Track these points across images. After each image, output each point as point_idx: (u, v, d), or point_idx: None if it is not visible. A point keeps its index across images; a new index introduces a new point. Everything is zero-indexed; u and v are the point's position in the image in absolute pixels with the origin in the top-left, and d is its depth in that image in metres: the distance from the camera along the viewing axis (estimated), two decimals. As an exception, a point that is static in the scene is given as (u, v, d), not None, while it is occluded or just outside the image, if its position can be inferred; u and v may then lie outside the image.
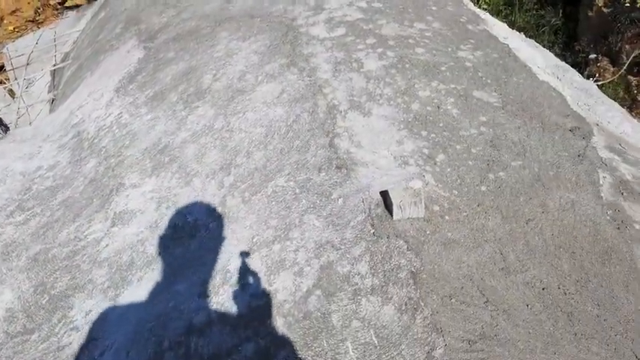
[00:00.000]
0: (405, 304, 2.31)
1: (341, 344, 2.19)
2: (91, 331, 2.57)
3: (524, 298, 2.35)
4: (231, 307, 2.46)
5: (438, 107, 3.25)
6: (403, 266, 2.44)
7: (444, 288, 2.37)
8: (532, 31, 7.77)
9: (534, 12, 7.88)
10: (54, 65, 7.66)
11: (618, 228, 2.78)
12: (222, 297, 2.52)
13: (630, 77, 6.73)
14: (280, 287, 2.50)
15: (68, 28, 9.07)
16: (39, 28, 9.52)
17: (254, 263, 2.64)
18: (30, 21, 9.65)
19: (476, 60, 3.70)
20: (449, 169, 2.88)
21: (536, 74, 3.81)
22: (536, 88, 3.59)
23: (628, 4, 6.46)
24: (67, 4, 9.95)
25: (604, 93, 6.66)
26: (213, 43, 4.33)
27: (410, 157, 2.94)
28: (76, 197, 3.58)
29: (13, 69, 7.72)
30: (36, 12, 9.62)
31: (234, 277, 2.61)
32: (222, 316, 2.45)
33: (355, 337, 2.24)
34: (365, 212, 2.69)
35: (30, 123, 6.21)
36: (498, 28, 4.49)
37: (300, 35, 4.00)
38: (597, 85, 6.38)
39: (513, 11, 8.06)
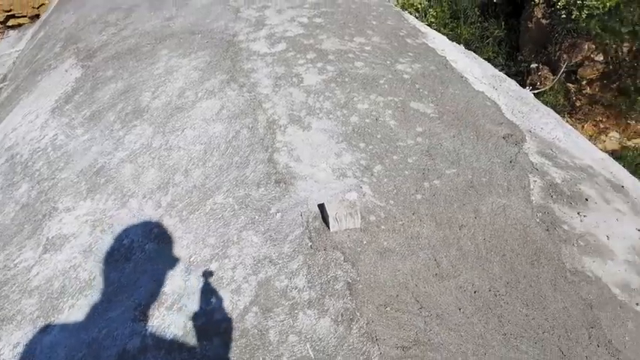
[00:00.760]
0: (341, 315, 2.37)
1: (277, 360, 2.22)
2: (18, 364, 2.49)
3: (456, 302, 2.46)
4: (167, 331, 2.45)
5: (376, 119, 3.38)
6: (340, 277, 2.51)
7: (380, 297, 2.45)
8: (477, 42, 8.19)
9: (479, 24, 8.32)
10: (-10, 87, 7.40)
11: (547, 230, 2.96)
12: (157, 320, 2.50)
13: (569, 85, 7.18)
14: (217, 306, 2.52)
15: (8, 48, 8.82)
16: (-22, 48, 9.19)
17: (191, 283, 2.64)
18: (-32, 41, 9.30)
19: (414, 72, 3.88)
20: (386, 180, 2.99)
21: (472, 84, 4.02)
22: (471, 98, 3.79)
23: (564, 16, 6.92)
24: (8, 24, 9.68)
25: (545, 100, 7.09)
26: (153, 60, 4.34)
27: (348, 169, 3.03)
28: (7, 224, 3.48)
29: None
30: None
31: (170, 299, 2.60)
32: (157, 340, 2.43)
33: (292, 352, 2.28)
34: (303, 226, 2.75)
35: (-38, 148, 5.96)
36: (438, 40, 4.72)
37: (240, 51, 4.08)
38: (536, 92, 6.77)
39: (459, 24, 8.47)
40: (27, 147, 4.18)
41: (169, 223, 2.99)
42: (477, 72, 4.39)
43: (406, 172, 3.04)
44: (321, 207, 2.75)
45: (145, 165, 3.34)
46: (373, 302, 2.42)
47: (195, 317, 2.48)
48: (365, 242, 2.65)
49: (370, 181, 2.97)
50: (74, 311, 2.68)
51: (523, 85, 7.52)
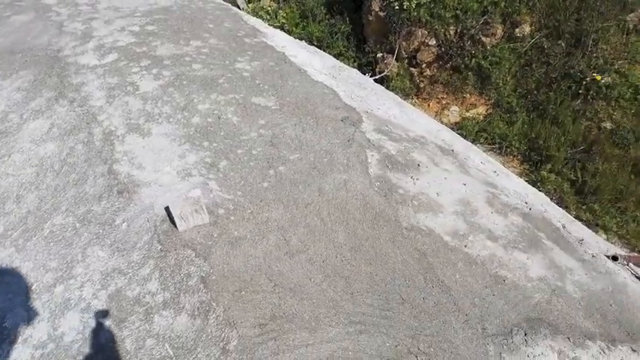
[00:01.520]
0: (198, 309, 2.46)
1: (134, 366, 2.24)
2: None
3: (307, 273, 2.69)
4: (10, 367, 2.31)
5: (219, 117, 3.52)
6: (193, 273, 2.59)
7: (235, 284, 2.58)
8: (328, 39, 8.75)
9: (327, 22, 8.90)
10: None
11: (385, 195, 3.36)
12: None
13: (411, 69, 8.04)
14: (67, 329, 2.44)
15: None
16: None
17: (35, 312, 2.52)
18: None
19: (253, 69, 4.10)
20: (232, 173, 3.14)
21: (311, 76, 4.36)
22: (310, 88, 4.11)
23: (397, 7, 7.73)
24: None
25: (394, 85, 7.84)
26: (-34, 86, 3.96)
27: (193, 169, 3.12)
28: None
29: None
30: None
31: (13, 334, 2.45)
32: (1, 379, 2.29)
33: (151, 355, 2.31)
34: (151, 231, 2.78)
35: None
36: (278, 38, 5.00)
37: (68, 66, 3.92)
38: (380, 78, 7.47)
39: (309, 23, 8.97)
40: None
41: (4, 255, 2.80)
42: (317, 64, 4.76)
43: (251, 164, 3.22)
44: (167, 209, 2.80)
45: (-33, 199, 3.07)
46: (228, 290, 2.55)
47: (43, 346, 2.37)
48: (215, 235, 2.77)
49: (217, 176, 3.10)
50: None
51: (375, 74, 8.26)
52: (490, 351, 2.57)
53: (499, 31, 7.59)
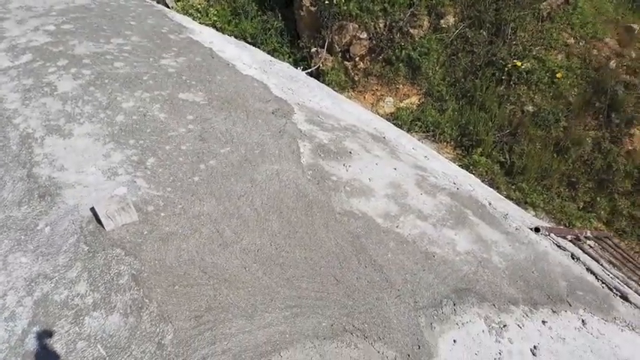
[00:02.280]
0: (130, 307, 2.45)
1: (64, 371, 2.20)
2: None
3: (242, 263, 2.74)
4: None
5: (144, 115, 3.48)
6: (123, 272, 2.57)
7: (168, 279, 2.59)
8: (261, 35, 8.77)
9: (259, 18, 8.92)
10: None
11: (318, 183, 3.47)
12: None
13: (346, 63, 8.24)
14: (-12, 342, 2.35)
15: None
16: None
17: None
18: None
19: (179, 65, 4.07)
20: (160, 170, 3.12)
21: (240, 70, 4.39)
22: (239, 82, 4.14)
23: (327, 2, 7.89)
24: None
25: (330, 80, 7.99)
26: None
27: (119, 167, 3.08)
28: None
29: None
30: None
31: None
32: None
33: (82, 357, 2.27)
34: (77, 233, 2.72)
35: None
36: (205, 34, 4.98)
37: (-25, 69, 3.73)
38: (316, 73, 7.60)
39: (241, 20, 8.95)
40: None
41: None
42: (246, 59, 4.79)
43: (181, 159, 3.22)
44: (93, 209, 2.75)
45: None
46: (161, 285, 2.55)
47: (-41, 363, 2.27)
48: (146, 232, 2.76)
49: (144, 174, 3.07)
50: None
51: (308, 68, 8.38)
52: (422, 322, 2.74)
53: (425, 23, 7.94)
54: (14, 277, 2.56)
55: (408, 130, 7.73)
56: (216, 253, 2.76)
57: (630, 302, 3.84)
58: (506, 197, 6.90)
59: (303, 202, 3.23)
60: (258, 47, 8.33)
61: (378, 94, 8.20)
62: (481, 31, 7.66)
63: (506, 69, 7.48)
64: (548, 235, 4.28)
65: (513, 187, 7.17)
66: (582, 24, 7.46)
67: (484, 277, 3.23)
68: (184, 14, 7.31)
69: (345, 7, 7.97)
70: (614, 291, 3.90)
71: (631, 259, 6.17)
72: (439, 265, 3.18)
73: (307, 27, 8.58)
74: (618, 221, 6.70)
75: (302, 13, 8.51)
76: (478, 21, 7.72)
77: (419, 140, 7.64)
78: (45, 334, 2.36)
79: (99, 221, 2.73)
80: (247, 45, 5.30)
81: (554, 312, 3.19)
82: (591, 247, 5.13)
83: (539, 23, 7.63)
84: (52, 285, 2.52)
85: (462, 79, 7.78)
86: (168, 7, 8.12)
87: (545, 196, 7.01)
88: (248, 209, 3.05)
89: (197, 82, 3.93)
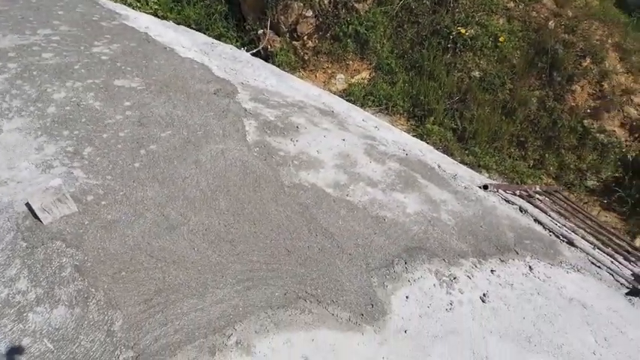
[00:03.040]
0: (75, 298, 2.39)
1: (8, 369, 2.13)
2: None
3: (190, 244, 2.71)
4: None
5: (78, 104, 3.35)
6: (65, 264, 2.50)
7: (113, 266, 2.53)
8: (206, 21, 8.57)
9: (202, 3, 8.70)
10: None
11: (265, 159, 3.45)
12: None
13: (294, 42, 8.16)
14: None
15: None
16: None
17: None
18: None
19: (112, 52, 3.94)
20: (99, 159, 3.03)
21: (179, 53, 4.28)
22: (178, 65, 4.04)
23: (269, -18, 7.78)
24: None
25: (280, 60, 7.89)
26: None
27: (54, 160, 2.97)
28: None
29: None
30: None
31: None
32: None
33: (29, 353, 2.21)
34: (13, 230, 2.62)
35: None
36: (141, 20, 4.82)
37: None
38: (265, 55, 7.50)
39: (184, 7, 8.71)
40: None
41: None
42: (186, 42, 4.68)
43: (119, 146, 3.13)
44: (28, 204, 2.65)
45: None
46: (107, 274, 2.49)
47: None
48: (87, 222, 2.68)
49: (81, 164, 2.98)
50: None
51: (259, 50, 8.26)
52: (374, 282, 2.79)
53: (370, -4, 7.95)
54: (-52, 282, 2.45)
55: (362, 105, 7.76)
56: (163, 237, 2.71)
57: (576, 246, 4.04)
58: (460, 162, 7.07)
59: (250, 179, 3.21)
60: (204, 33, 8.15)
61: (329, 71, 8.18)
62: (424, 1, 7.72)
63: (451, 37, 7.59)
64: (497, 191, 4.42)
65: (466, 151, 7.34)
66: (520, -13, 7.63)
67: (434, 234, 3.32)
68: (120, 2, 7.03)
69: (288, -14, 7.88)
70: (561, 238, 4.08)
71: (580, 210, 6.46)
72: (390, 228, 3.24)
73: (252, 9, 8.44)
74: (566, 175, 6.97)
75: (245, -5, 8.36)
76: (420, -9, 7.77)
77: (373, 114, 7.69)
78: (-13, 335, 2.28)
79: (35, 216, 2.63)
80: (188, 29, 5.17)
81: (502, 261, 3.32)
82: (540, 200, 5.34)
83: (479, -11, 7.76)
84: (-9, 285, 2.42)
85: (410, 51, 7.85)
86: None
87: (497, 157, 7.21)
88: (194, 190, 3.00)
89: (133, 68, 3.81)
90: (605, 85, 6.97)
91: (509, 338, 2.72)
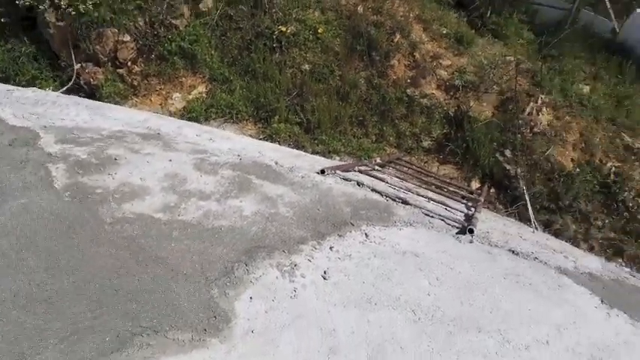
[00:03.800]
0: None
1: None
2: None
3: (-4, 315, 2.42)
4: None
5: None
6: None
7: None
8: (12, 67, 7.71)
9: (2, 48, 7.80)
10: None
11: (80, 202, 3.22)
12: None
13: (119, 70, 7.75)
14: None
15: None
16: None
17: None
18: None
19: None
20: None
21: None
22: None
23: (74, 13, 7.24)
24: None
25: (108, 92, 7.41)
26: None
27: None
28: None
29: None
30: None
31: None
32: None
33: None
34: None
35: None
36: None
37: None
38: (89, 89, 7.01)
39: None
40: None
41: None
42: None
43: None
44: None
45: None
46: None
47: None
48: None
49: None
50: None
51: (81, 87, 7.69)
52: (215, 294, 2.77)
53: (186, 11, 7.83)
54: None
55: (206, 119, 7.67)
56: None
57: (410, 204, 4.43)
58: (312, 153, 7.34)
59: (63, 227, 2.97)
60: (13, 81, 7.38)
61: (164, 93, 7.92)
62: (240, 6, 7.83)
63: (275, 36, 7.80)
64: (334, 173, 4.66)
65: (316, 141, 7.63)
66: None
67: (272, 230, 3.39)
68: None
69: (97, 14, 7.43)
70: (397, 200, 4.44)
71: (421, 170, 7.12)
72: (227, 235, 3.24)
73: (63, 44, 7.80)
74: (405, 142, 7.62)
75: (51, 31, 7.69)
76: (234, -3, 7.87)
77: (219, 126, 7.64)
78: None
79: None
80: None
81: (340, 236, 3.51)
82: (381, 170, 5.77)
83: (290, -14, 8.09)
84: None
85: (239, 56, 7.92)
86: None
87: (343, 140, 7.61)
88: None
89: None
90: (417, 55, 7.74)
91: (352, 305, 2.89)
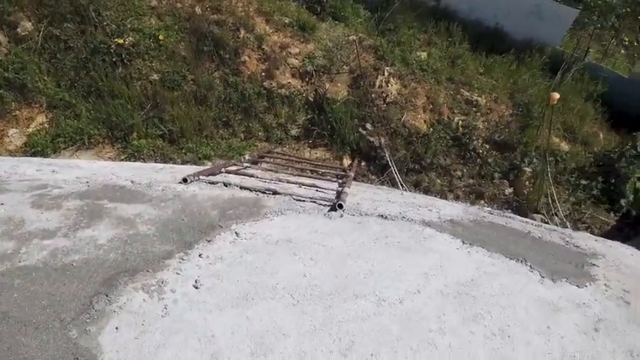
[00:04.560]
0: None
1: None
2: None
3: None
4: None
5: None
6: None
7: None
8: None
9: None
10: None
11: None
12: None
13: None
14: None
15: None
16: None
17: None
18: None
19: None
20: None
21: None
22: None
23: None
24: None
25: None
26: None
27: None
28: None
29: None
30: None
31: None
32: None
33: None
34: None
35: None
36: None
37: None
38: None
39: None
40: None
41: None
42: None
43: None
44: None
45: None
46: None
47: None
48: None
49: None
50: None
51: None
52: (73, 335, 2.52)
53: (2, 38, 7.01)
54: None
55: (54, 151, 6.99)
56: None
57: (280, 194, 4.47)
58: (182, 163, 7.09)
59: None
60: None
61: (-2, 131, 7.04)
62: (65, 24, 7.20)
63: (113, 50, 7.33)
64: (198, 178, 4.53)
65: (183, 150, 7.38)
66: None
67: (133, 252, 3.19)
68: None
69: None
70: (267, 192, 4.46)
71: (294, 158, 7.25)
72: (81, 270, 2.97)
73: None
74: (273, 134, 7.70)
75: None
76: (57, 15, 7.21)
77: (71, 155, 7.02)
78: None
79: None
80: None
81: (208, 241, 3.42)
82: (250, 167, 5.75)
83: (117, -4, 7.64)
84: None
85: (77, 77, 7.32)
86: None
87: (211, 144, 7.47)
88: None
89: None
90: (265, 48, 7.82)
91: (228, 306, 2.84)
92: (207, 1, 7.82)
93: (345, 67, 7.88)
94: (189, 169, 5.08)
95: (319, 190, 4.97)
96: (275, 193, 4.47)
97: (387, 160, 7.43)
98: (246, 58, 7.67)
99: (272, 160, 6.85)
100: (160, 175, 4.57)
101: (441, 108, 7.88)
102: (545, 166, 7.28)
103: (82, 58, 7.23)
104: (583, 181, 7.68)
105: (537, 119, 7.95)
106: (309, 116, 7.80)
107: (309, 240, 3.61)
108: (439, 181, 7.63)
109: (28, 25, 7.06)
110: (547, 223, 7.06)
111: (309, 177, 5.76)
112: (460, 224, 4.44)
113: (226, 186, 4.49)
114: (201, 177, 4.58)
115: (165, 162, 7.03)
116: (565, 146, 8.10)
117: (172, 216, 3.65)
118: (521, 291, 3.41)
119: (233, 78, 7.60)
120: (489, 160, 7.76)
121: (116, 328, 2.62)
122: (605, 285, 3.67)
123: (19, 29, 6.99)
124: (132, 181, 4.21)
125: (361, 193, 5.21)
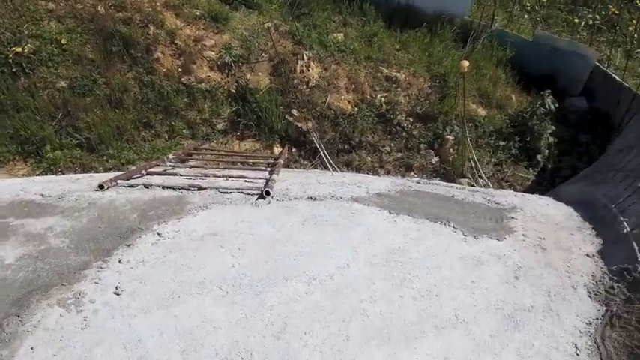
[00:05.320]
0: None
1: None
2: None
3: None
4: None
5: None
6: None
7: None
8: None
9: None
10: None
11: None
12: None
13: None
14: None
15: None
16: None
17: None
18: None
19: None
20: None
21: None
22: None
23: None
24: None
25: None
26: None
27: None
28: None
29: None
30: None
31: None
32: None
33: None
34: None
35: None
36: None
37: None
38: None
39: None
40: None
41: None
42: None
43: None
44: None
45: None
46: None
47: None
48: None
49: None
50: None
51: None
52: (-17, 363, 2.35)
53: None
54: None
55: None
56: None
57: (205, 188, 4.38)
58: (105, 171, 6.74)
59: None
60: None
61: None
62: (-49, 35, 6.58)
63: (11, 60, 6.80)
64: (116, 184, 4.33)
65: (104, 158, 7.02)
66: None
67: (46, 267, 3.01)
68: None
69: None
70: (191, 189, 4.34)
71: (222, 152, 7.11)
72: (-11, 294, 2.77)
73: None
74: (199, 131, 7.49)
75: None
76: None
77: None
78: None
79: None
80: None
81: (128, 245, 3.29)
82: (176, 166, 5.57)
83: (11, 2, 7.08)
84: None
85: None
86: None
87: (134, 148, 7.15)
88: None
89: None
90: (179, 42, 7.55)
91: (154, 307, 2.75)
92: (110, 0, 7.41)
93: (263, 55, 7.78)
94: (110, 176, 4.84)
95: (247, 180, 4.91)
96: (200, 188, 4.37)
97: (317, 144, 7.46)
98: (160, 54, 7.36)
99: (200, 157, 6.68)
100: (76, 185, 4.32)
101: (362, 87, 7.99)
102: (464, 132, 7.60)
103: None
104: (502, 143, 8.09)
105: (454, 88, 8.26)
106: (233, 108, 7.64)
107: (235, 230, 3.56)
108: (369, 158, 7.77)
109: None
110: (473, 185, 7.41)
111: (238, 169, 5.68)
112: (387, 196, 4.56)
113: (147, 188, 4.33)
114: (119, 182, 4.39)
115: (85, 172, 6.66)
116: (482, 111, 8.49)
117: (88, 225, 3.48)
118: (446, 251, 3.56)
119: (148, 77, 7.27)
120: (414, 133, 7.99)
121: (31, 348, 2.46)
122: (523, 235, 3.91)
123: None
124: (42, 195, 3.96)
125: (291, 179, 5.21)
